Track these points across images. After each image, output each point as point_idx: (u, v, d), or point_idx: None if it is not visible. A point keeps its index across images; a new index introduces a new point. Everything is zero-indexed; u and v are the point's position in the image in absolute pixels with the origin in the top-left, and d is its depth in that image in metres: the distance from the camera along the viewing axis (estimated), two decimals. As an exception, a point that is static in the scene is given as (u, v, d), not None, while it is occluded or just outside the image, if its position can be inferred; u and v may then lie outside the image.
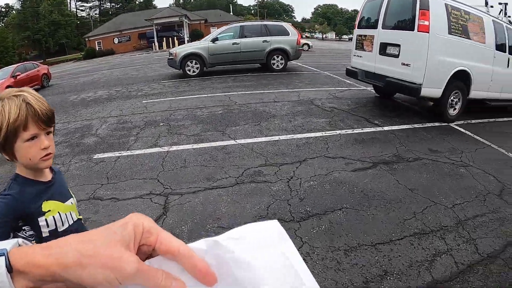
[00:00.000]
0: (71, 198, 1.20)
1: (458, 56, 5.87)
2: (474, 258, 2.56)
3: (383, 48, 6.20)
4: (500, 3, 8.20)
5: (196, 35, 35.80)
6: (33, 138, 0.95)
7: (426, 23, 5.39)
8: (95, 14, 67.88)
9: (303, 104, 6.57)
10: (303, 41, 29.26)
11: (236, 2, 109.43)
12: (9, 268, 0.33)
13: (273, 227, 0.39)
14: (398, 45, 5.83)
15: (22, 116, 0.90)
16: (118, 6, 68.16)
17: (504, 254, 2.59)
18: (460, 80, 6.07)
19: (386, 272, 2.41)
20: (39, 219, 1.04)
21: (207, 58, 10.96)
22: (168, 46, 33.24)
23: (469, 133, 5.65)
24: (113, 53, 40.66)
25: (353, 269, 2.43)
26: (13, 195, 0.99)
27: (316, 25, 71.78)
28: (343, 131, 5.11)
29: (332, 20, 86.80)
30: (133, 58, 27.19)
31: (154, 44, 37.30)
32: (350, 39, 7.65)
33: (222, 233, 0.37)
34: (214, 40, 11.02)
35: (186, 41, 32.47)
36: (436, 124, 6.00)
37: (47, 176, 1.11)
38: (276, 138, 4.73)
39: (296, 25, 63.71)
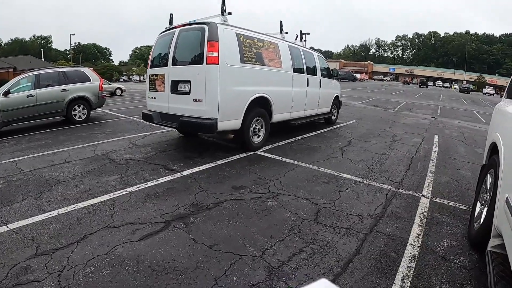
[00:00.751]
0: None
1: (254, 84, 6.34)
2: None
3: (175, 86, 6.15)
4: (301, 34, 9.49)
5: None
6: None
7: (215, 54, 5.55)
8: None
9: (97, 161, 5.93)
10: (116, 85, 29.95)
11: (51, 46, 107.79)
12: None
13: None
14: (189, 81, 5.84)
15: None
16: None
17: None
18: (260, 106, 6.58)
19: None
20: None
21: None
22: None
23: (277, 157, 6.19)
24: None
25: None
26: None
27: (133, 68, 72.61)
28: (134, 188, 4.61)
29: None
30: None
31: None
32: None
33: None
34: (6, 93, 9.34)
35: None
36: (242, 155, 6.26)
37: None
38: (55, 213, 3.99)
39: (114, 68, 65.45)
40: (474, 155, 7.70)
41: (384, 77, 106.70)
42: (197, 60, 5.71)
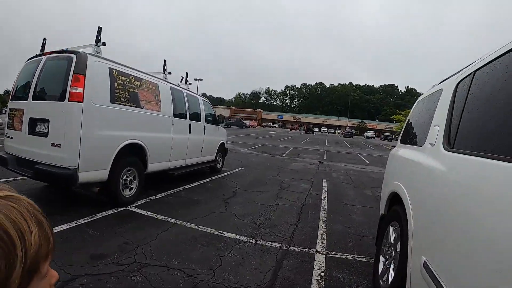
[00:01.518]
0: None
1: (126, 128, 5.91)
2: None
3: (33, 125, 5.40)
4: (195, 80, 9.45)
5: None
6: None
7: (80, 90, 4.98)
8: None
9: None
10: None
11: None
12: None
13: None
14: (48, 121, 5.14)
15: (49, 238, 0.65)
16: None
17: None
18: (133, 154, 6.17)
19: None
20: None
21: None
22: None
23: (151, 214, 5.62)
24: None
25: None
26: None
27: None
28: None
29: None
30: None
31: None
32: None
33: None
34: None
35: None
36: (111, 211, 5.57)
37: None
38: None
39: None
40: (364, 198, 8.32)
41: (273, 124, 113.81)
42: (59, 95, 5.07)
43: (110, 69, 5.66)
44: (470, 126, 2.15)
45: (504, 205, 1.39)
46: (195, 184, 8.26)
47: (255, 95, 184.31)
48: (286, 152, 20.95)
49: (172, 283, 3.37)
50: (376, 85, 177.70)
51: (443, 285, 1.74)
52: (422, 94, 4.23)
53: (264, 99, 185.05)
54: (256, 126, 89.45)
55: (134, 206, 6.01)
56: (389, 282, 2.95)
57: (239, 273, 3.69)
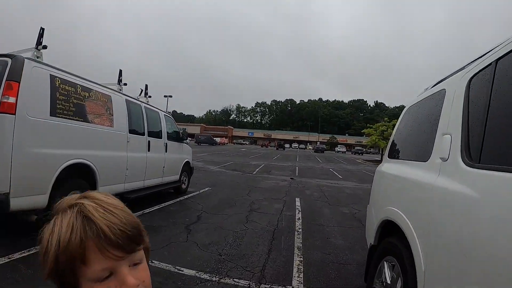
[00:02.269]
0: None
1: (69, 146, 5.12)
2: None
3: None
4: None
5: None
6: (109, 275, 0.66)
7: (12, 100, 4.19)
8: None
9: None
10: None
11: None
12: None
13: None
14: None
15: (75, 240, 0.63)
16: None
17: None
18: (80, 176, 5.39)
19: None
20: None
21: None
22: None
23: None
24: None
25: None
26: None
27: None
28: None
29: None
30: None
31: None
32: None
33: None
34: None
35: None
36: None
37: None
38: None
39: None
40: (341, 216, 7.73)
41: (243, 141, 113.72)
42: (-8, 105, 4.26)
43: (52, 77, 4.88)
44: (502, 131, 1.56)
45: None
46: (156, 207, 7.43)
47: (226, 112, 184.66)
48: (257, 169, 20.31)
49: None
50: (346, 101, 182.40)
51: None
52: (406, 105, 3.66)
53: (235, 116, 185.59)
54: (227, 143, 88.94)
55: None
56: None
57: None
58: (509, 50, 1.63)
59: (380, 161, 33.17)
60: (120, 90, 7.03)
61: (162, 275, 3.90)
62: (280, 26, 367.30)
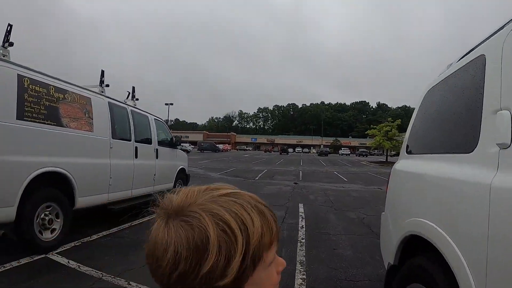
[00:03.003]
0: None
1: (41, 153, 4.58)
2: None
3: None
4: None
5: None
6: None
7: None
8: None
9: None
10: None
11: None
12: None
13: None
14: None
15: (270, 227, 0.65)
16: None
17: None
18: (53, 186, 4.85)
19: None
20: None
21: None
22: None
23: (73, 264, 4.24)
24: None
25: None
26: None
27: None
28: None
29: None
30: None
31: None
32: None
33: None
34: None
35: None
36: (23, 260, 4.25)
37: None
38: None
39: None
40: (348, 223, 7.12)
41: (246, 147, 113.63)
42: None
43: (20, 77, 4.38)
44: None
45: None
46: (146, 219, 6.79)
47: (228, 119, 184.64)
48: (259, 175, 19.73)
49: None
50: (348, 103, 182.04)
51: None
52: (429, 83, 2.81)
53: (238, 123, 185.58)
54: (230, 149, 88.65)
55: (56, 253, 4.64)
56: None
57: None
58: None
59: (385, 162, 32.37)
60: (102, 92, 6.44)
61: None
62: (280, 31, 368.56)
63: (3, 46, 4.55)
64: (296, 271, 4.26)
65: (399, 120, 43.95)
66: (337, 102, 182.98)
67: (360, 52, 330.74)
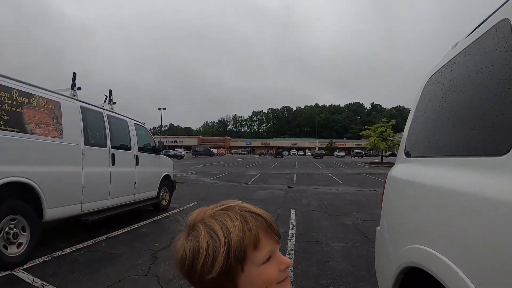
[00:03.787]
0: None
1: (3, 162, 4.19)
2: None
3: None
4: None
5: None
6: (268, 258, 0.77)
7: None
8: None
9: None
10: None
11: None
12: None
13: None
14: None
15: (250, 230, 0.74)
16: None
17: None
18: (18, 197, 4.46)
19: None
20: None
21: None
22: None
23: (37, 282, 3.85)
24: None
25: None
26: None
27: None
28: None
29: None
30: None
31: None
32: None
33: None
34: None
35: None
36: None
37: None
38: None
39: None
40: (343, 230, 6.72)
41: (241, 150, 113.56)
42: None
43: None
44: None
45: None
46: (126, 229, 6.37)
47: (223, 123, 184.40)
48: (253, 179, 19.32)
49: None
50: (342, 104, 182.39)
51: None
52: (431, 70, 2.27)
53: (232, 127, 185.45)
54: (224, 153, 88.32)
55: (22, 269, 4.25)
56: None
57: None
58: None
59: (381, 163, 31.98)
60: (74, 95, 5.99)
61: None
62: (272, 35, 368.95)
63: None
64: (283, 287, 3.82)
65: (394, 120, 43.85)
66: (331, 104, 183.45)
67: (353, 53, 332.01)
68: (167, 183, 8.96)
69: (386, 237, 2.19)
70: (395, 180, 2.27)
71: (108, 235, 5.92)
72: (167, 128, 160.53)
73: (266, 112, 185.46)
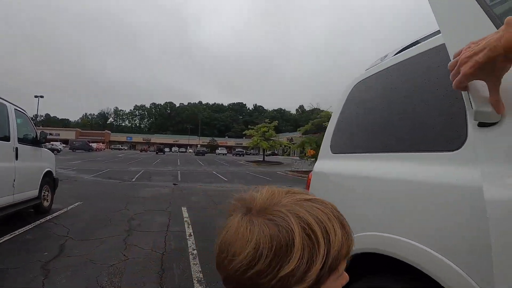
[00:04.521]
0: None
1: None
2: None
3: None
4: None
5: None
6: None
7: None
8: None
9: None
10: None
11: None
12: None
13: None
14: None
15: (349, 238, 0.63)
16: None
17: None
18: None
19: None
20: None
21: None
22: None
23: None
24: None
25: None
26: None
27: None
28: None
29: None
30: None
31: None
32: None
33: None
34: None
35: None
36: None
37: None
38: None
39: None
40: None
41: (121, 146, 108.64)
42: None
43: None
44: None
45: None
46: (8, 237, 5.47)
47: (103, 116, 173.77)
48: (136, 176, 18.59)
49: None
50: (225, 104, 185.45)
51: None
52: (355, 78, 2.44)
53: (113, 120, 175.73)
54: (104, 149, 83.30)
55: None
56: None
57: None
58: None
59: (262, 162, 33.45)
60: None
61: None
62: (161, 26, 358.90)
63: None
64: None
65: (276, 121, 46.19)
66: (215, 103, 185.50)
67: (239, 55, 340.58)
68: (49, 180, 7.89)
69: None
70: (327, 176, 2.39)
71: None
72: (43, 118, 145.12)
73: (148, 107, 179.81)
